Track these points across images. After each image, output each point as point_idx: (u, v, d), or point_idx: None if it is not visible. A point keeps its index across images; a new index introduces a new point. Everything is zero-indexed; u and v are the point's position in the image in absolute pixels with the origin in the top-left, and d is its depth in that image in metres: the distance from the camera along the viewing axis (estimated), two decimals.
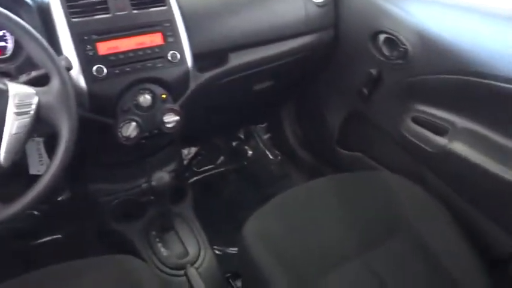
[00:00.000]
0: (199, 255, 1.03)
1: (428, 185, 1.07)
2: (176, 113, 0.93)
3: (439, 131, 1.03)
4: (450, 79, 1.00)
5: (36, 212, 1.29)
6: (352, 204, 0.98)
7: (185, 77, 0.95)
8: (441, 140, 1.01)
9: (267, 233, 0.89)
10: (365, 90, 1.21)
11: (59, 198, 1.32)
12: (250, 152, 1.59)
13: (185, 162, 1.47)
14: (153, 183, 0.92)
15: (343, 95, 1.32)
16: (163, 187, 0.92)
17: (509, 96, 0.90)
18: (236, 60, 1.05)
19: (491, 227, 0.97)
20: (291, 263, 0.85)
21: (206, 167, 1.50)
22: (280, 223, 0.93)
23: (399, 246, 0.92)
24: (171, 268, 0.99)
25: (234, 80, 1.08)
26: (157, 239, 1.03)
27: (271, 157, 1.60)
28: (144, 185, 0.93)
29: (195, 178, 1.46)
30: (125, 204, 1.06)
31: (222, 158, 1.54)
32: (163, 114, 0.92)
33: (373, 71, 1.16)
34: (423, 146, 1.05)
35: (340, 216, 0.96)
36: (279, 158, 1.59)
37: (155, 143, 0.99)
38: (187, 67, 0.94)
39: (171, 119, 0.93)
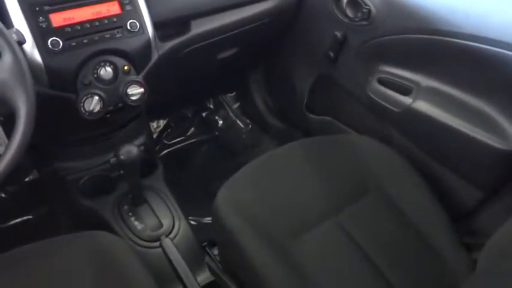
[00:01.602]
0: (173, 226, 1.03)
1: (395, 145, 1.09)
2: (140, 84, 0.91)
3: (404, 91, 1.05)
4: (413, 38, 1.01)
5: (3, 194, 1.26)
6: (322, 167, 1.00)
7: (147, 46, 0.92)
8: (406, 100, 1.03)
9: (239, 200, 0.90)
10: (331, 53, 1.21)
11: (27, 179, 1.29)
12: (220, 122, 1.58)
13: (155, 135, 1.45)
14: (122, 157, 0.90)
15: (310, 59, 1.32)
16: (132, 160, 0.91)
17: (470, 53, 0.92)
18: (199, 27, 1.02)
19: (457, 182, 1.00)
20: (263, 227, 0.87)
21: (177, 139, 1.48)
22: (252, 190, 0.93)
23: (369, 205, 0.95)
24: (146, 241, 0.99)
25: (198, 48, 1.05)
26: (130, 213, 1.03)
27: (242, 126, 1.59)
28: (113, 160, 0.91)
29: (166, 151, 1.44)
30: (95, 180, 1.05)
31: (192, 129, 1.52)
32: (127, 86, 0.90)
33: (338, 34, 1.16)
34: (389, 106, 1.07)
35: (311, 179, 0.97)
36: (250, 126, 1.59)
37: (121, 116, 0.96)
38: (148, 36, 0.91)
39: (135, 91, 0.91)
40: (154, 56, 0.95)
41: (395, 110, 1.05)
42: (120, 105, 0.91)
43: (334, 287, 0.81)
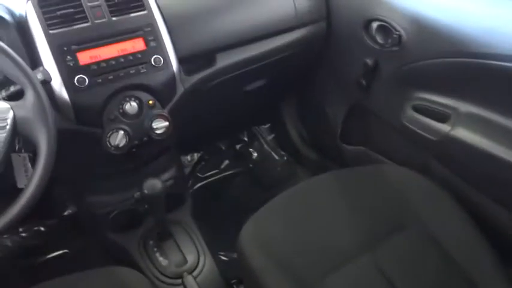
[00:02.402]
0: (198, 262, 1.01)
1: (434, 176, 1.02)
2: (165, 118, 0.91)
3: (441, 117, 0.99)
4: (447, 62, 0.95)
5: (42, 228, 1.30)
6: (354, 200, 0.94)
7: (171, 81, 0.93)
8: (443, 127, 0.97)
9: (265, 236, 0.86)
10: (363, 82, 1.17)
11: (65, 213, 1.33)
12: (255, 154, 1.56)
13: (189, 169, 1.46)
14: (145, 191, 0.90)
15: (343, 88, 1.28)
16: (156, 195, 0.90)
17: (510, 75, 0.85)
18: (224, 60, 1.02)
19: (504, 215, 0.91)
20: (290, 267, 0.82)
21: (210, 172, 1.48)
22: (279, 225, 0.89)
23: (407, 242, 0.88)
24: (170, 277, 0.97)
25: (224, 81, 1.05)
26: (155, 248, 1.01)
27: (276, 158, 1.56)
28: (137, 194, 0.91)
29: (199, 184, 1.44)
30: (124, 215, 1.05)
31: (226, 162, 1.51)
32: (152, 120, 0.90)
33: (369, 61, 1.12)
34: (426, 134, 1.00)
35: (342, 213, 0.92)
36: (285, 158, 1.56)
37: (147, 150, 0.97)
38: (172, 71, 0.92)
39: (160, 125, 0.91)
40: (180, 90, 0.96)
41: (433, 138, 0.99)
42: (145, 139, 0.92)
43: None
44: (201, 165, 1.48)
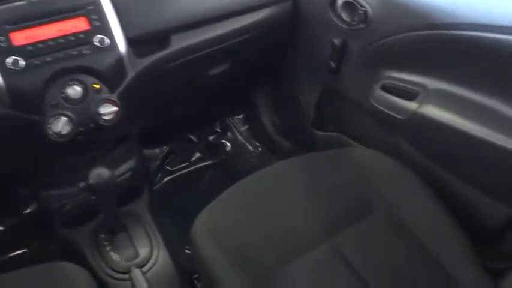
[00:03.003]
0: (151, 256, 0.95)
1: (404, 157, 0.96)
2: (113, 103, 0.85)
3: (409, 96, 0.93)
4: (414, 36, 0.90)
5: (1, 228, 1.23)
6: (318, 185, 0.89)
7: (119, 63, 0.87)
8: (411, 105, 0.91)
9: (220, 225, 0.81)
10: (332, 64, 1.11)
11: (27, 211, 1.26)
12: (228, 146, 1.50)
13: (157, 162, 1.39)
14: (91, 181, 0.84)
15: (313, 72, 1.23)
16: (103, 185, 0.84)
17: (479, 46, 0.79)
18: (180, 42, 0.96)
19: (477, 197, 0.86)
20: (246, 255, 0.76)
21: (181, 165, 1.41)
22: (236, 212, 0.84)
23: (372, 226, 0.83)
24: (119, 272, 0.91)
25: (183, 64, 0.99)
26: (106, 243, 0.95)
27: (251, 149, 1.50)
28: (82, 184, 0.85)
29: (168, 177, 1.37)
30: (77, 209, 0.99)
31: (197, 154, 1.45)
32: (98, 105, 0.84)
33: (337, 41, 1.06)
34: (394, 114, 0.95)
35: (305, 198, 0.86)
36: (260, 149, 1.50)
37: (96, 138, 0.91)
38: (120, 53, 0.86)
39: (107, 110, 0.85)
40: (130, 73, 0.90)
41: (401, 117, 0.93)
42: (92, 125, 0.86)
43: None
44: (171, 158, 1.42)
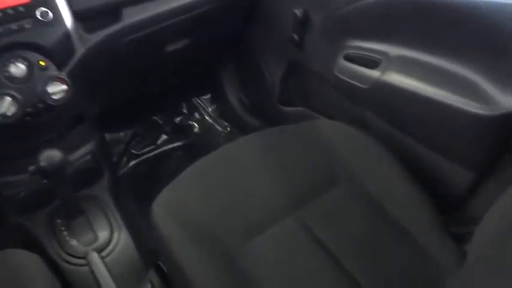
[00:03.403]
0: (111, 240, 0.91)
1: (370, 129, 0.95)
2: (62, 81, 0.81)
3: (372, 64, 0.91)
4: (373, 3, 0.88)
5: None
6: (281, 159, 0.86)
7: (65, 39, 0.82)
8: (374, 73, 0.89)
9: (179, 205, 0.78)
10: (295, 36, 1.08)
11: None
12: (196, 127, 1.47)
13: (122, 146, 1.35)
14: (42, 163, 0.79)
15: (277, 46, 1.19)
16: (54, 167, 0.79)
17: (437, 8, 0.78)
18: (132, 16, 0.91)
19: (442, 164, 0.85)
20: (207, 234, 0.74)
21: (146, 149, 1.37)
22: (197, 190, 0.81)
23: (339, 198, 0.81)
24: (76, 257, 0.87)
25: (137, 39, 0.94)
26: (63, 227, 0.91)
27: (219, 129, 1.47)
28: (31, 168, 0.81)
29: (133, 161, 1.33)
30: (33, 195, 0.94)
31: (164, 136, 1.41)
32: (46, 84, 0.79)
33: (298, 12, 1.03)
34: (357, 83, 0.93)
35: (268, 173, 0.84)
36: (228, 129, 1.47)
37: (46, 119, 0.86)
38: (66, 27, 0.82)
39: (56, 89, 0.80)
40: (80, 50, 0.85)
41: (364, 86, 0.91)
42: (40, 105, 0.81)
43: None
44: (136, 141, 1.37)
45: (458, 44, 0.77)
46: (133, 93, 1.20)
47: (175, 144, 1.41)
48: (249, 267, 0.71)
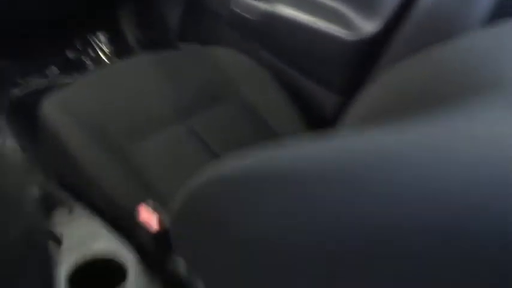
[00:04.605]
0: None
1: (258, 59, 1.05)
2: None
3: None
4: None
5: None
6: (171, 76, 0.93)
7: None
8: (264, 6, 0.99)
9: (70, 101, 0.80)
10: None
11: None
12: (89, 64, 1.44)
13: (11, 76, 1.27)
14: None
15: None
16: None
17: None
18: None
19: (314, 88, 0.98)
20: (96, 126, 0.77)
21: (39, 80, 1.31)
22: (85, 97, 0.84)
23: (224, 109, 0.90)
24: None
25: None
26: None
27: None
28: None
29: (26, 91, 1.27)
30: None
31: (56, 70, 1.36)
32: None
33: None
34: (248, 16, 1.02)
35: (157, 86, 0.91)
36: None
37: None
38: None
39: None
40: None
41: (254, 18, 1.00)
42: None
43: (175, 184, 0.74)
44: (26, 72, 1.30)
45: None
46: (14, 20, 1.13)
47: (67, 80, 1.37)
48: (140, 160, 0.76)
